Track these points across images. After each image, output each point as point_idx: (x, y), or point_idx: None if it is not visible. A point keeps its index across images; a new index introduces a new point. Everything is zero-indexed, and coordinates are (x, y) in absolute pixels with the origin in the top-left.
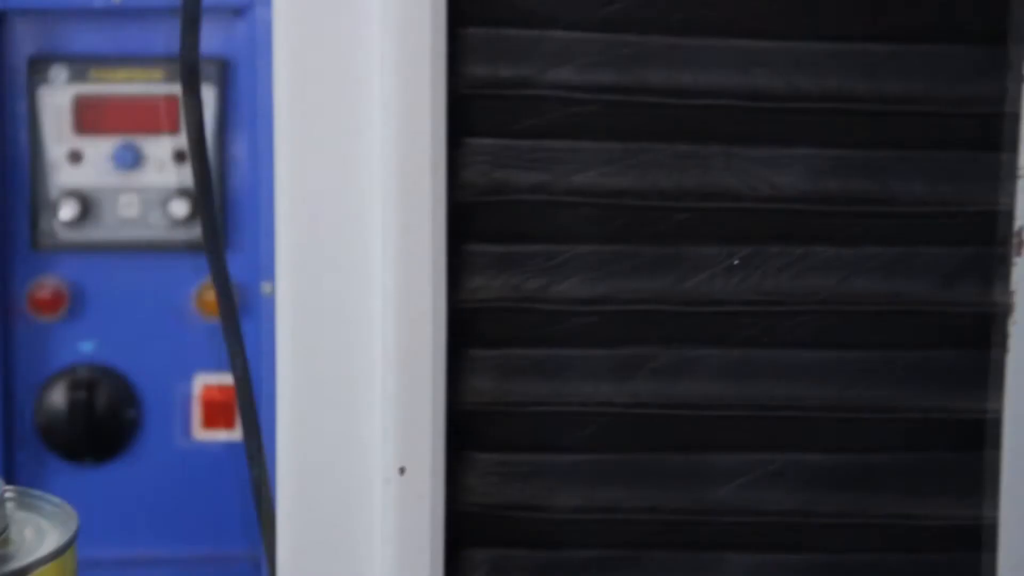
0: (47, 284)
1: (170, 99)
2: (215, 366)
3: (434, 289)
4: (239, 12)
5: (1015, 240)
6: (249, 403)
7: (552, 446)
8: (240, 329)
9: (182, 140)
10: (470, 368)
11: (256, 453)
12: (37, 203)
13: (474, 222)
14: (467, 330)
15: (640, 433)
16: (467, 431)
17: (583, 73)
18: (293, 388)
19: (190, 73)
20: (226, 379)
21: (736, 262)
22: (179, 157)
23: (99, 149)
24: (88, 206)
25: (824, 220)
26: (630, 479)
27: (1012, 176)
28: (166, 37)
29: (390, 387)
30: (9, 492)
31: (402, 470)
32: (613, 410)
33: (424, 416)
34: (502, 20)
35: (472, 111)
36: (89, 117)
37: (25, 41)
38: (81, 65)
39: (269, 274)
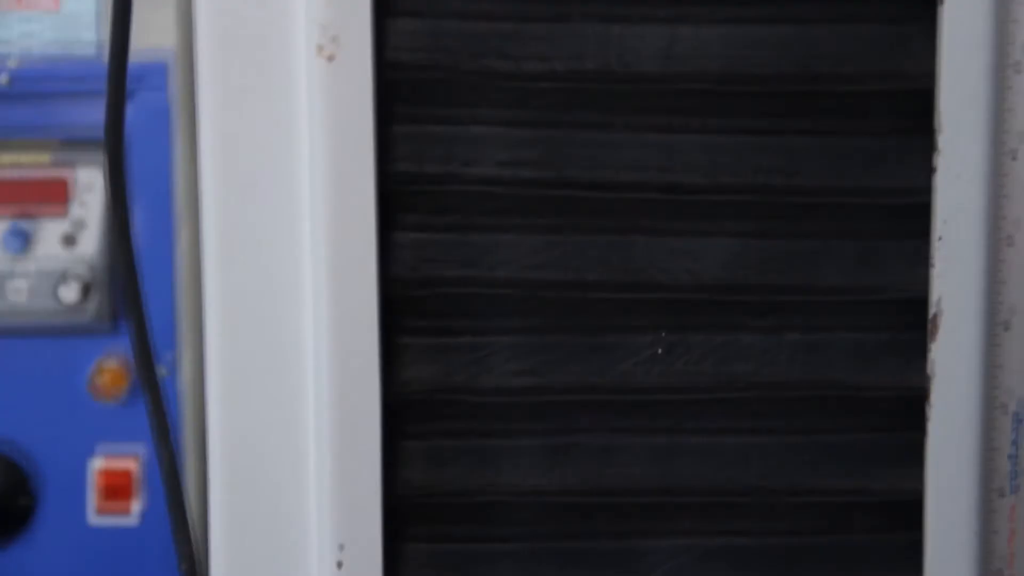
0: None
1: (59, 181)
2: (111, 448)
3: (368, 382)
4: (131, 91)
5: (931, 324)
6: (176, 482)
7: (484, 535)
8: (164, 406)
9: (71, 222)
10: (402, 459)
11: (184, 533)
12: None
13: (404, 314)
14: (398, 421)
15: (570, 520)
16: (400, 522)
17: (506, 168)
18: (226, 478)
19: (115, 157)
20: (122, 461)
21: (660, 350)
22: (68, 240)
23: None
24: None
25: (744, 307)
26: (561, 565)
27: (926, 263)
28: (55, 118)
29: (328, 480)
30: None
31: (340, 564)
32: (543, 498)
33: (362, 507)
34: (427, 117)
35: (399, 205)
36: None
37: None
38: None
39: (162, 348)
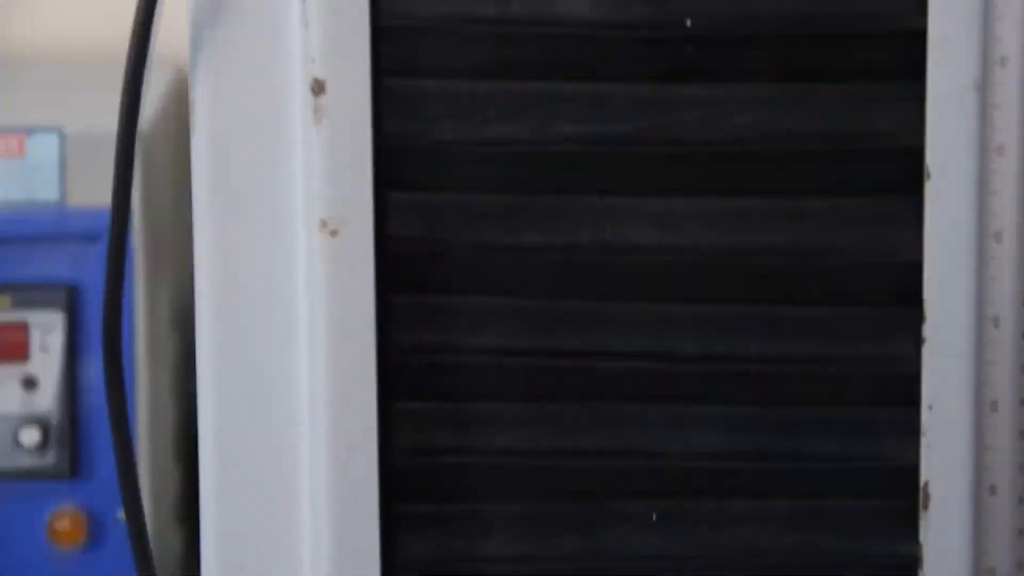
0: None
1: (19, 327)
2: None
3: (367, 553)
4: (92, 239)
5: (923, 494)
6: None
7: None
8: (150, 556)
9: (30, 367)
10: None
11: None
12: None
13: (403, 484)
14: None
15: None
16: None
17: (502, 338)
18: None
19: (112, 335)
20: None
21: (654, 517)
22: (28, 384)
23: None
24: None
25: (736, 475)
26: None
27: (917, 432)
28: (15, 265)
29: None
30: None
31: None
32: None
33: None
34: (427, 289)
35: (399, 376)
36: None
37: None
38: None
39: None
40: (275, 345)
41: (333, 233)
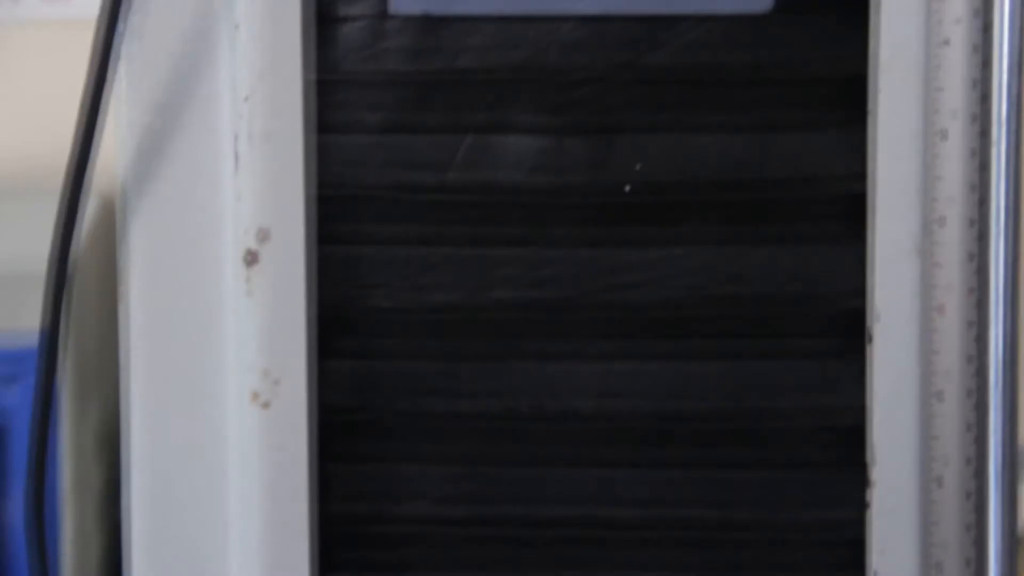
0: None
1: None
2: None
3: None
4: (13, 378)
5: None
6: None
7: None
8: None
9: None
10: None
11: None
12: None
13: None
14: None
15: None
16: None
17: (439, 507)
18: None
19: (37, 475)
20: None
21: None
22: None
23: None
24: None
25: None
26: None
27: None
28: None
29: None
30: None
31: None
32: None
33: None
34: (362, 457)
35: (334, 546)
36: None
37: None
38: None
39: None
40: (206, 515)
41: (265, 405)
